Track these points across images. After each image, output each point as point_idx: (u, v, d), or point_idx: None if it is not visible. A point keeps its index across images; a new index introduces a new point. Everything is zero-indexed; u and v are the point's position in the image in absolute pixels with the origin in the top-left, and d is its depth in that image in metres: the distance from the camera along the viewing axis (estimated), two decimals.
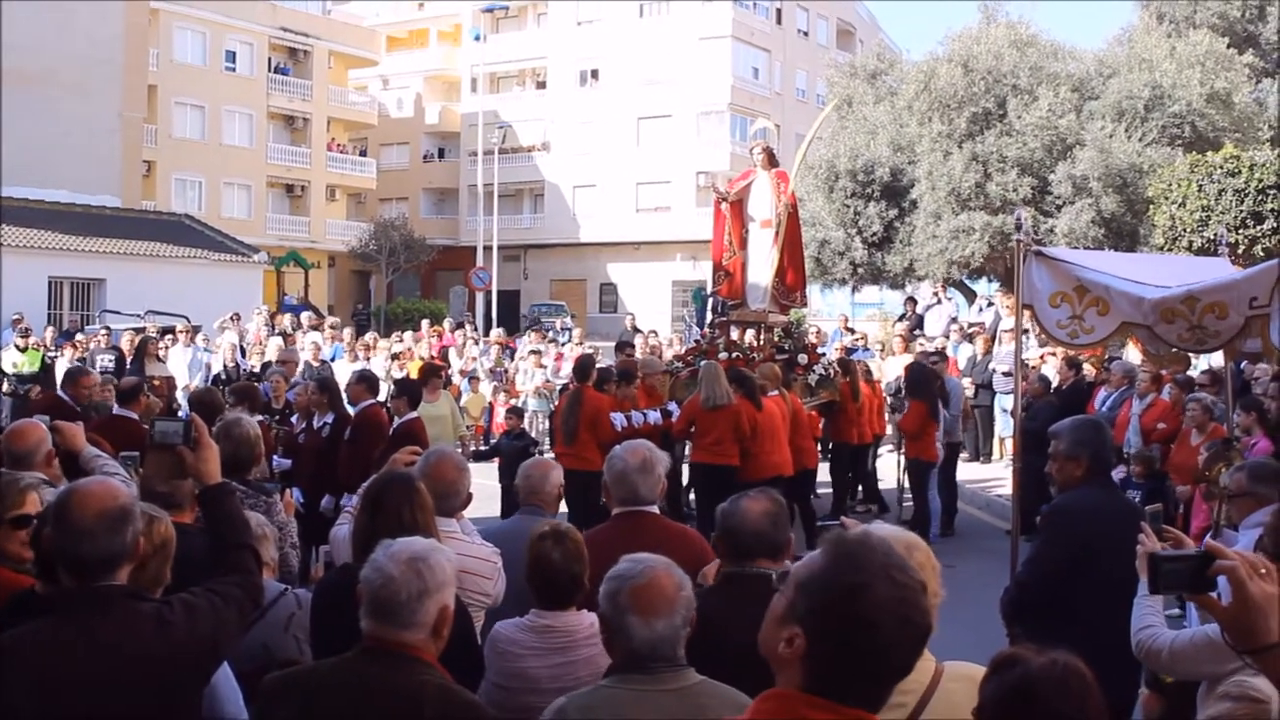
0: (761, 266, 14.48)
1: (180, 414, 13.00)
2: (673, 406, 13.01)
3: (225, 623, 3.58)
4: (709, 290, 16.89)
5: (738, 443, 11.72)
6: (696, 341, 15.41)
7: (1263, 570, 2.75)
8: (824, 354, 15.35)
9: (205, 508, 4.00)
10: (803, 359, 14.42)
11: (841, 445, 15.01)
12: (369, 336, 24.56)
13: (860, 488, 15.69)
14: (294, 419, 11.93)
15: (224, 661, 3.83)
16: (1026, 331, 8.81)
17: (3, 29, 35.43)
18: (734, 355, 13.93)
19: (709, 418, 11.76)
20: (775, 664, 2.38)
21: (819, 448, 14.80)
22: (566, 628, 4.34)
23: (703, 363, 12.85)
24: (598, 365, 13.35)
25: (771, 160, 14.69)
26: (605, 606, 3.47)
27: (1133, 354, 15.60)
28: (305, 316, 27.84)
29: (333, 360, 20.54)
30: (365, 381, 11.28)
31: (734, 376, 12.09)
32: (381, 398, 11.96)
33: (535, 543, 4.43)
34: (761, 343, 14.52)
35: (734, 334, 14.83)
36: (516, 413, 15.42)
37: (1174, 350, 8.26)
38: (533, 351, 22.55)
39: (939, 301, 25.45)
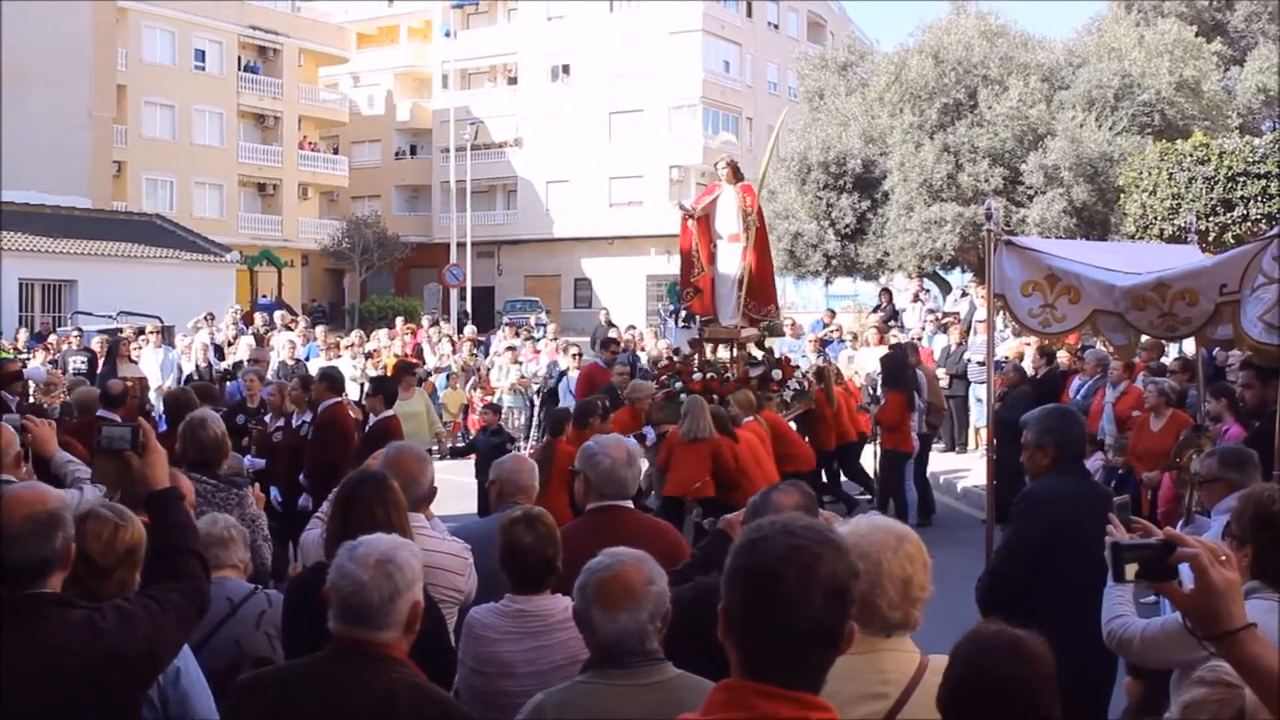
0: (730, 281, 14.36)
1: (154, 414, 13.04)
2: (648, 431, 12.80)
3: (162, 629, 3.53)
4: (674, 305, 16.75)
5: (715, 477, 11.48)
6: (670, 360, 15.19)
7: (1223, 557, 2.80)
8: (798, 367, 15.15)
9: (151, 513, 3.95)
10: (777, 374, 14.26)
11: (819, 453, 14.81)
12: (354, 335, 24.37)
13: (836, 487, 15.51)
14: (267, 418, 11.87)
15: (164, 669, 3.77)
16: (1005, 319, 8.83)
17: None
18: (708, 375, 13.81)
19: (685, 449, 11.48)
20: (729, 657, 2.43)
21: None
22: (541, 612, 4.34)
23: (686, 397, 12.53)
24: (579, 401, 13.12)
25: (736, 174, 14.54)
26: (575, 599, 3.48)
27: None
28: (279, 315, 27.74)
29: (308, 359, 20.49)
30: (328, 380, 11.11)
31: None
32: (349, 396, 11.91)
33: (507, 527, 4.44)
34: (735, 358, 14.36)
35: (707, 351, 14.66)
36: (493, 409, 15.34)
37: (1141, 339, 8.29)
38: (508, 348, 22.52)
39: (916, 300, 25.49)
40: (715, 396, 12.81)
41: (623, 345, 20.26)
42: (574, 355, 17.00)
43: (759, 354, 14.76)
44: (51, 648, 3.27)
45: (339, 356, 20.94)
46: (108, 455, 4.16)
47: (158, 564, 3.80)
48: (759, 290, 14.38)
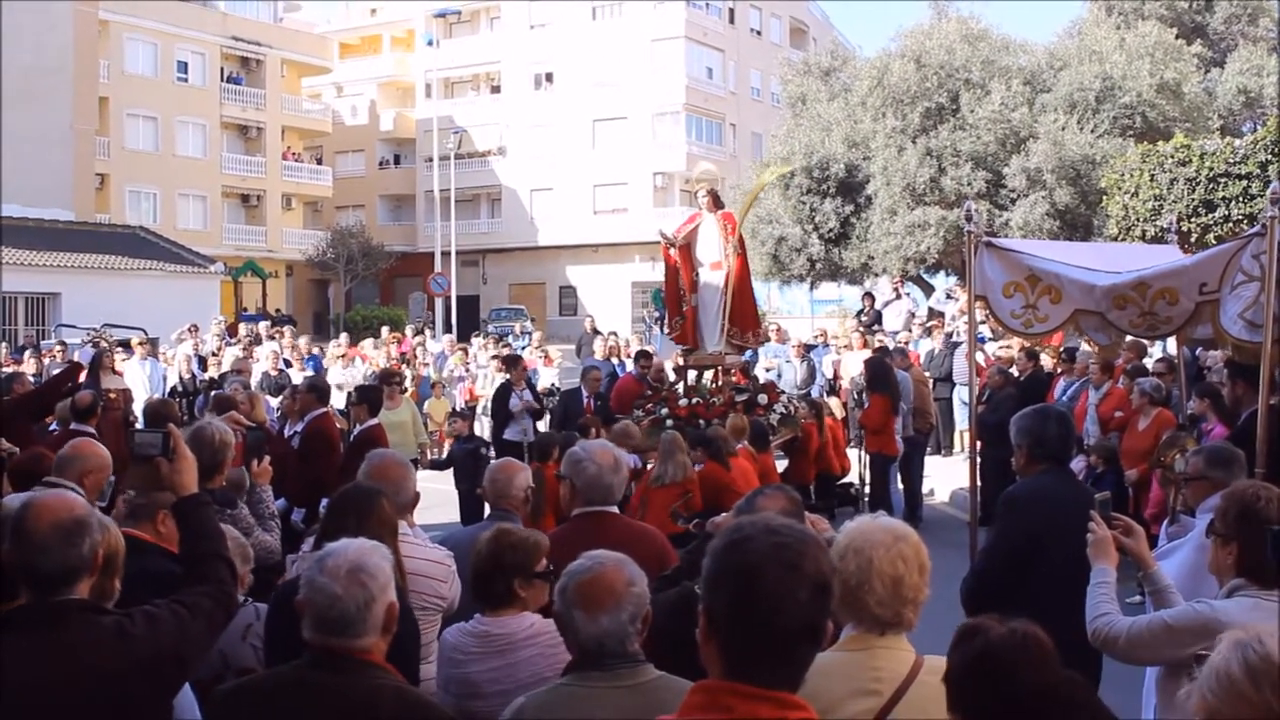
0: (714, 309, 14.29)
1: (137, 427, 12.92)
2: (632, 458, 12.23)
3: (191, 635, 3.56)
4: (659, 312, 16.63)
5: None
6: (655, 388, 15.06)
7: None
8: (783, 393, 15.04)
9: (180, 519, 4.01)
10: (762, 399, 14.15)
11: (799, 487, 14.54)
12: (336, 344, 24.25)
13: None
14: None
15: (192, 674, 3.79)
16: (984, 322, 8.84)
17: None
18: (694, 401, 13.73)
19: (657, 494, 10.33)
20: (704, 659, 2.42)
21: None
22: (503, 631, 4.31)
23: (664, 434, 11.86)
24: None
25: (716, 203, 14.51)
26: (556, 602, 3.48)
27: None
28: (263, 326, 27.67)
29: (288, 369, 20.42)
30: (315, 390, 10.94)
31: (697, 439, 10.93)
32: (336, 407, 11.81)
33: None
34: (719, 386, 14.29)
35: (691, 378, 14.60)
36: (462, 417, 15.14)
37: (1125, 338, 8.31)
38: (493, 356, 22.44)
39: (898, 297, 25.56)
40: (701, 422, 12.70)
41: (607, 352, 20.21)
42: (498, 368, 16.76)
43: (744, 380, 14.69)
44: (81, 653, 3.28)
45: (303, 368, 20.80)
46: (139, 461, 4.19)
47: (187, 569, 3.85)
48: (741, 317, 14.33)
